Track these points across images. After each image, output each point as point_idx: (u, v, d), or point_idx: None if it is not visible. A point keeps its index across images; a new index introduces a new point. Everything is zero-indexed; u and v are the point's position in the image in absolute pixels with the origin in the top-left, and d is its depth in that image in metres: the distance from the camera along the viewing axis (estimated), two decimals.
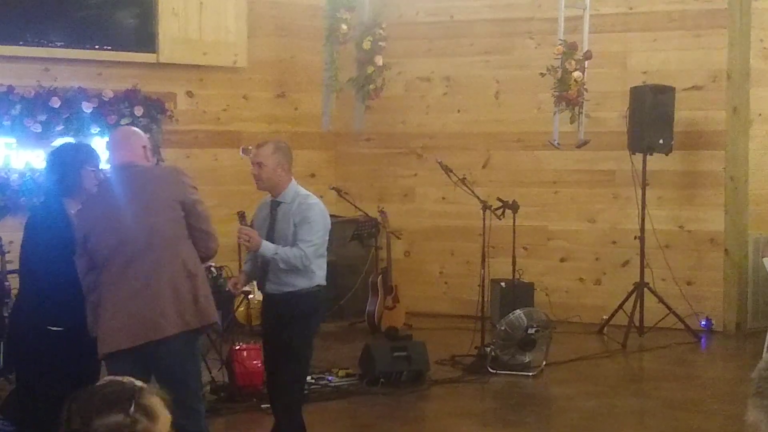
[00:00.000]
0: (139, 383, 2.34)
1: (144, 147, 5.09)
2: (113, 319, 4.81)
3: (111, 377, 2.39)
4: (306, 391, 7.45)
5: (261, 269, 5.76)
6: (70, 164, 5.16)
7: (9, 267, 7.49)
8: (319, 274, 5.74)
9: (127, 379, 2.35)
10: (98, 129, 9.27)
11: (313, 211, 5.70)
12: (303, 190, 5.81)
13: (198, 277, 4.94)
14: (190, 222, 4.94)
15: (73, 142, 7.40)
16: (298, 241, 5.61)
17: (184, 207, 4.91)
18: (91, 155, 5.29)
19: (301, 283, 5.68)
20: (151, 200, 4.92)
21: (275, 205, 5.77)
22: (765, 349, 8.77)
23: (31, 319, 5.09)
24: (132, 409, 2.25)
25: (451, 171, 8.74)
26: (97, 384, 2.36)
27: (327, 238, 5.80)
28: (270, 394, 5.97)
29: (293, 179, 5.84)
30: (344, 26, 10.31)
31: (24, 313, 5.24)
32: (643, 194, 9.73)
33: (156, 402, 2.31)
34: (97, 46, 9.59)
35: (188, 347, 4.92)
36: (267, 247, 5.60)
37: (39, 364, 5.04)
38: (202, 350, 5.99)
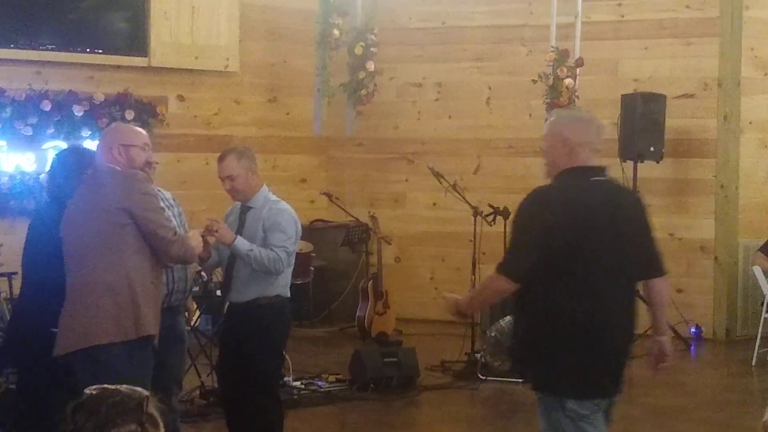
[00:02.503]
0: (144, 391, 2.32)
1: (112, 148, 4.84)
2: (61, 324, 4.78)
3: (100, 386, 2.35)
4: (295, 396, 7.48)
5: (225, 276, 5.64)
6: (73, 168, 5.18)
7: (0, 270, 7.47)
8: (283, 285, 5.59)
9: (125, 387, 2.32)
10: (89, 132, 9.25)
11: (284, 216, 5.56)
12: (273, 196, 5.66)
13: (136, 288, 4.67)
14: (141, 230, 4.70)
15: (77, 146, 7.34)
16: (272, 246, 5.44)
17: (131, 215, 4.67)
18: (94, 159, 5.29)
19: (266, 292, 5.53)
20: (90, 207, 4.75)
21: (245, 210, 5.63)
22: (755, 356, 8.79)
23: (34, 320, 5.08)
24: (143, 418, 2.24)
25: (442, 177, 8.75)
26: (96, 393, 2.32)
27: (295, 248, 5.63)
28: (229, 405, 5.78)
29: (264, 184, 5.69)
30: (336, 31, 10.33)
31: (26, 315, 5.24)
32: None
33: (156, 410, 2.31)
34: (88, 50, 9.57)
35: (124, 358, 4.62)
36: (242, 243, 5.40)
37: (41, 366, 5.03)
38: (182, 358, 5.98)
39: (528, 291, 4.28)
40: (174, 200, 5.87)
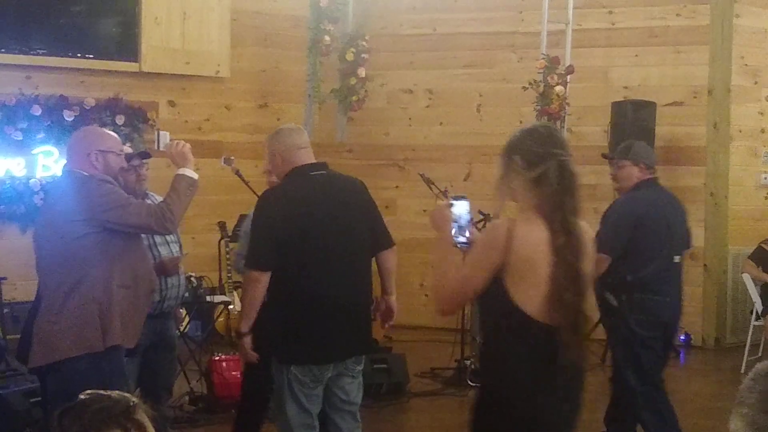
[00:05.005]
0: (133, 398, 2.31)
1: (89, 154, 4.71)
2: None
3: (93, 391, 2.35)
4: None
5: None
6: None
7: None
8: None
9: (116, 393, 2.32)
10: None
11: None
12: None
13: (102, 299, 4.58)
14: (118, 230, 4.60)
15: None
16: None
17: (97, 223, 4.55)
18: None
19: None
20: (53, 219, 4.65)
21: None
22: (744, 364, 8.81)
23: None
24: (129, 424, 2.24)
25: (433, 183, 8.74)
26: (85, 398, 2.32)
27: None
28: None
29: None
30: (327, 37, 10.34)
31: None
32: None
33: (145, 417, 2.30)
34: (79, 55, 9.55)
35: (91, 370, 4.53)
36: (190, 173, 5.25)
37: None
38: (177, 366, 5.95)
39: (272, 279, 4.81)
40: None
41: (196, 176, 4.87)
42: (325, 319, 4.77)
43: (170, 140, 4.91)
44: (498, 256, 3.47)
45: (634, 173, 6.06)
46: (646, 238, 5.92)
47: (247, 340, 4.98)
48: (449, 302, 3.69)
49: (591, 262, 3.67)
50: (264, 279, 4.81)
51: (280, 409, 4.89)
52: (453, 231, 3.74)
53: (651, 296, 5.89)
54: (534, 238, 3.49)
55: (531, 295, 3.46)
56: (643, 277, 5.87)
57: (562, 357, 3.47)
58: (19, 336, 5.52)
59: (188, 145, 4.95)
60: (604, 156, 6.61)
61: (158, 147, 4.96)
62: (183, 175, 4.82)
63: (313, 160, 5.00)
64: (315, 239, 4.76)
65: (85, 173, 4.65)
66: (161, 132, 5.07)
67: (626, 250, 5.87)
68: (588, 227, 3.77)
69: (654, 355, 6.00)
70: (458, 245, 3.71)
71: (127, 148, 5.71)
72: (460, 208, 3.79)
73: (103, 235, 4.57)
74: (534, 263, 3.46)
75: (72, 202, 4.59)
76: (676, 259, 6.05)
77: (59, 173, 4.95)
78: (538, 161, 3.65)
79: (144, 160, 5.58)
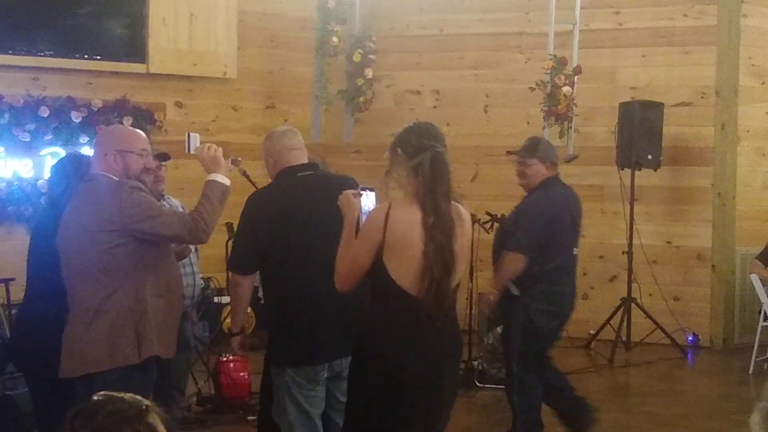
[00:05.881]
0: (145, 401, 2.31)
1: (107, 154, 4.59)
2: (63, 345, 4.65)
3: (106, 392, 2.35)
4: None
5: None
6: (72, 176, 5.17)
7: None
8: None
9: (129, 396, 2.32)
10: (87, 139, 9.24)
11: None
12: None
13: (135, 309, 4.48)
14: (149, 240, 4.47)
15: (76, 153, 7.32)
16: None
17: (128, 233, 4.42)
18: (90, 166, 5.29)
19: None
20: (85, 227, 4.51)
21: None
22: (752, 365, 8.79)
23: (37, 326, 5.07)
24: (141, 427, 2.24)
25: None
26: (98, 399, 2.32)
27: None
28: None
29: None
30: (335, 38, 10.33)
31: (30, 321, 5.23)
32: (632, 209, 9.75)
33: (158, 420, 2.30)
34: (86, 56, 9.57)
35: (123, 382, 4.26)
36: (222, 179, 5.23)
37: (42, 372, 5.02)
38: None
39: (262, 280, 4.98)
40: (183, 208, 5.85)
41: (228, 182, 4.66)
42: (312, 320, 4.78)
43: (201, 143, 4.79)
44: (378, 236, 4.02)
45: (541, 171, 6.30)
46: (557, 234, 6.24)
47: (235, 340, 5.13)
48: (345, 278, 4.18)
49: (464, 240, 4.23)
50: (245, 282, 4.94)
51: (281, 411, 4.92)
52: (361, 217, 4.24)
53: (553, 287, 6.21)
54: (407, 219, 4.03)
55: (404, 270, 4.01)
56: (549, 269, 6.16)
57: (425, 323, 4.03)
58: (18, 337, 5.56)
59: (220, 149, 4.72)
60: (509, 153, 6.73)
61: (189, 150, 4.83)
62: (215, 181, 4.64)
63: (305, 161, 5.04)
64: (297, 239, 4.77)
65: (115, 178, 4.52)
66: (191, 134, 4.91)
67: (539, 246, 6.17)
68: (464, 211, 4.29)
69: (544, 346, 6.36)
70: None
71: None
72: (369, 198, 4.31)
73: (134, 245, 4.44)
74: (408, 241, 4.01)
75: (103, 210, 4.46)
76: (575, 251, 6.44)
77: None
78: (416, 152, 4.12)
79: (162, 162, 5.57)
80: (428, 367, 4.11)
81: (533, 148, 6.37)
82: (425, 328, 4.05)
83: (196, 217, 4.49)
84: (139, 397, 2.31)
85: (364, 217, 4.27)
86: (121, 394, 2.32)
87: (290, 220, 4.81)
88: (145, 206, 4.45)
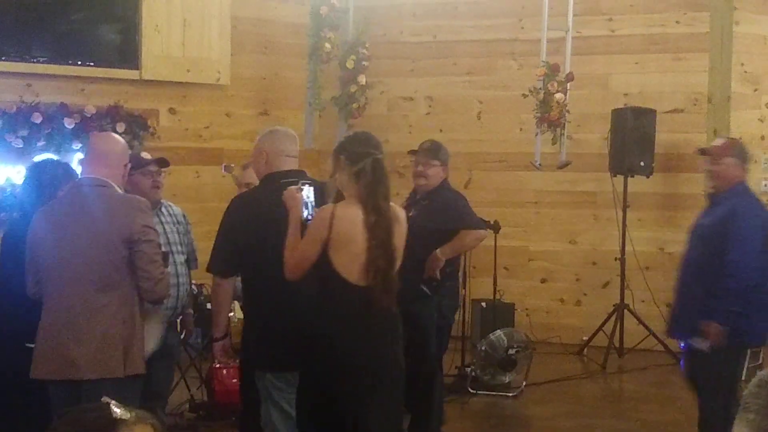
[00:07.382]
0: (125, 413, 2.27)
1: (126, 165, 4.80)
2: (39, 345, 4.66)
3: (104, 400, 2.33)
4: None
5: None
6: (48, 181, 5.14)
7: None
8: None
9: (114, 406, 2.29)
10: (80, 145, 9.22)
11: None
12: None
13: (128, 322, 4.60)
14: (133, 260, 4.58)
15: (53, 158, 7.34)
16: None
17: (129, 245, 4.57)
18: (69, 173, 5.27)
19: None
20: (92, 233, 4.58)
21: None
22: (745, 371, 8.78)
23: (9, 334, 5.04)
24: None
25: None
26: (83, 407, 2.32)
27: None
28: None
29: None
30: (328, 45, 10.33)
31: (1, 329, 5.20)
32: (624, 216, 9.77)
33: (150, 430, 2.28)
34: (79, 62, 9.56)
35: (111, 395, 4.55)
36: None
37: (16, 381, 4.98)
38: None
39: (242, 284, 5.13)
40: (184, 217, 5.83)
41: None
42: (286, 325, 4.83)
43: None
44: (324, 233, 4.44)
45: (440, 173, 6.67)
46: None
47: (217, 346, 5.27)
48: (294, 269, 4.54)
49: (402, 237, 4.62)
50: (225, 284, 5.10)
51: (266, 416, 4.99)
52: (303, 211, 4.60)
53: (454, 283, 6.82)
54: (351, 218, 4.44)
55: (348, 263, 4.44)
56: (457, 265, 6.85)
57: (374, 310, 4.45)
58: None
59: None
60: (411, 152, 6.92)
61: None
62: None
63: (292, 168, 5.11)
64: (273, 245, 4.75)
65: (128, 189, 4.80)
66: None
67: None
68: (401, 210, 4.75)
69: (446, 340, 6.78)
70: (306, 221, 4.59)
71: (146, 154, 5.72)
72: (308, 192, 4.65)
73: (129, 257, 4.61)
74: (351, 237, 4.43)
75: (117, 222, 4.60)
76: None
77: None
78: (358, 159, 4.54)
79: (162, 169, 5.58)
80: (371, 348, 4.51)
81: (436, 151, 6.73)
82: (366, 314, 4.48)
83: (166, 286, 4.79)
84: (124, 410, 2.28)
85: (306, 208, 4.60)
86: (110, 401, 2.29)
87: (268, 225, 4.87)
88: (152, 234, 4.71)
